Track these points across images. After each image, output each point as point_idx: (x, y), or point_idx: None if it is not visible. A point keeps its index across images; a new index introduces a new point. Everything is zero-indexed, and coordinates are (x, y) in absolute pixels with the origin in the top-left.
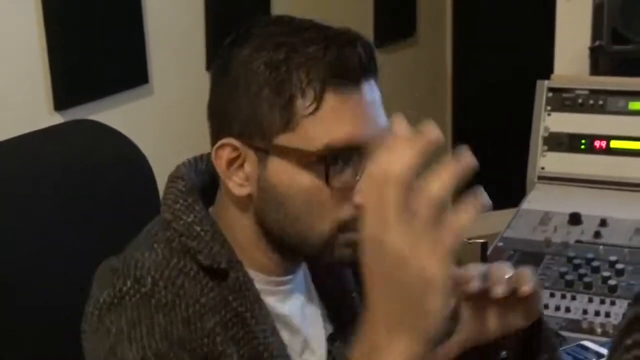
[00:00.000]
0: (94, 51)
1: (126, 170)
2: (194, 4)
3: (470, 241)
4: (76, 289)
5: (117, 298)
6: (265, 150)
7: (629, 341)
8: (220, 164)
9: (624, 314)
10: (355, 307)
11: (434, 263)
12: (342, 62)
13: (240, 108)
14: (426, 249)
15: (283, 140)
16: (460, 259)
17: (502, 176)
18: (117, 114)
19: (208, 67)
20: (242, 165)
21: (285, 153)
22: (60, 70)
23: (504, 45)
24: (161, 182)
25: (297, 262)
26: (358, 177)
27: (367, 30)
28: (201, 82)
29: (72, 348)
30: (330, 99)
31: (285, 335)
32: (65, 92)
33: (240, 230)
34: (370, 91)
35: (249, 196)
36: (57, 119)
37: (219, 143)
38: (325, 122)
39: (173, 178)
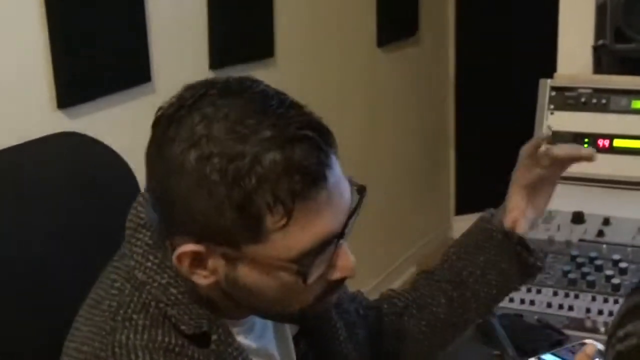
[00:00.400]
0: (96, 49)
1: (112, 183)
2: (197, 3)
3: None
4: (66, 302)
5: None
6: (233, 257)
7: (621, 333)
8: (181, 268)
9: (618, 310)
10: (326, 314)
11: None
12: (306, 167)
13: (201, 211)
14: None
15: (253, 251)
16: None
17: (505, 175)
18: (119, 112)
19: (211, 66)
20: (205, 262)
21: (257, 261)
22: (62, 69)
23: (506, 45)
24: None
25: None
26: (331, 262)
27: (369, 30)
28: None
29: None
30: (300, 211)
31: None
32: (68, 90)
33: (208, 291)
34: (334, 177)
35: (216, 282)
36: (59, 116)
37: (179, 252)
38: (296, 233)
39: (137, 227)
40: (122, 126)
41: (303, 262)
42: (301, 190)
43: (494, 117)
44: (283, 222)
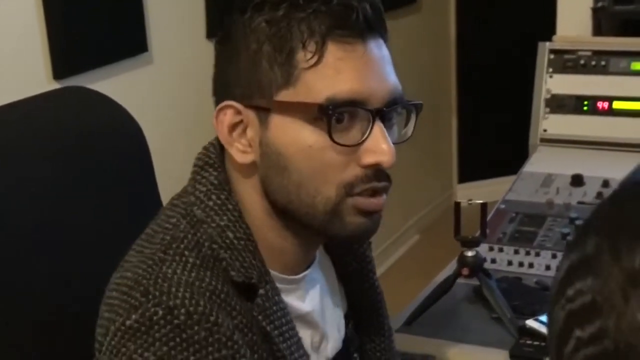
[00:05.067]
0: (93, 19)
1: (119, 138)
2: None
3: (470, 202)
4: (68, 259)
5: (146, 326)
6: (266, 108)
7: (570, 292)
8: (222, 130)
9: (558, 266)
10: (373, 288)
11: None
12: (346, 15)
13: (240, 70)
14: None
15: (284, 96)
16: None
17: (508, 141)
18: (116, 82)
19: (208, 36)
20: (244, 131)
21: (287, 109)
22: (59, 39)
23: (507, 9)
24: (158, 150)
25: (312, 245)
26: (364, 137)
27: None
28: (201, 50)
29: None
30: (332, 51)
31: (306, 333)
32: (64, 61)
33: (252, 209)
34: (377, 48)
35: (253, 164)
36: (55, 87)
37: (219, 106)
38: (327, 75)
39: (204, 165)
40: (119, 97)
41: (330, 110)
42: (336, 31)
43: (495, 84)
44: (314, 59)
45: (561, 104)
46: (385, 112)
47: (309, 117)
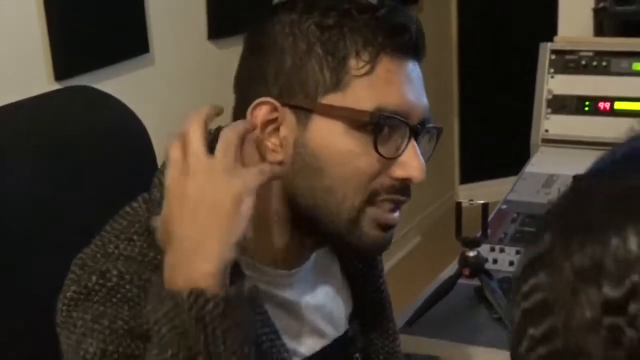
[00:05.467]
0: (94, 20)
1: (123, 138)
2: None
3: (471, 202)
4: (72, 258)
5: (83, 294)
6: (307, 109)
7: (525, 288)
8: (255, 123)
9: (517, 263)
10: (380, 290)
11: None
12: (402, 33)
13: (282, 68)
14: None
15: (331, 99)
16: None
17: (509, 141)
18: (117, 83)
19: (209, 36)
20: (277, 130)
21: (332, 112)
22: (60, 40)
23: (508, 10)
24: (158, 150)
25: (313, 249)
26: (401, 151)
27: None
28: (202, 51)
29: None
30: (384, 64)
31: (285, 320)
32: (66, 62)
33: (261, 211)
34: (418, 68)
35: (280, 164)
36: (57, 88)
37: (256, 101)
38: (377, 85)
39: None
40: (121, 97)
41: (378, 119)
42: (390, 45)
43: (497, 84)
44: (367, 68)
45: (563, 105)
46: (421, 129)
47: (354, 123)
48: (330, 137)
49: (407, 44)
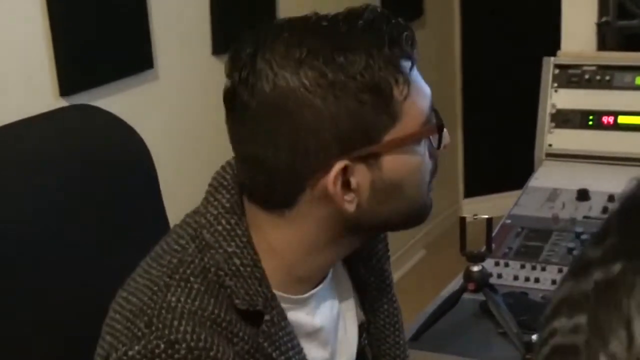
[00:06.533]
0: (99, 36)
1: (125, 156)
2: None
3: (475, 217)
4: (72, 276)
5: (147, 358)
6: (376, 153)
7: (546, 331)
8: (335, 195)
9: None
10: (390, 302)
11: None
12: (405, 41)
13: (338, 128)
14: None
15: (394, 133)
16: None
17: (514, 156)
18: (122, 99)
19: (214, 52)
20: (350, 182)
21: (398, 145)
22: (65, 56)
23: (512, 24)
24: (164, 168)
25: (338, 261)
26: (439, 135)
27: None
28: (207, 66)
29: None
30: (412, 77)
31: (316, 350)
32: (71, 78)
33: (292, 246)
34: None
35: (356, 208)
36: (62, 104)
37: (332, 175)
38: (416, 97)
39: (218, 187)
40: (125, 113)
41: (431, 122)
42: (406, 57)
43: (500, 98)
44: (406, 90)
45: (566, 119)
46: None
47: (417, 140)
48: (403, 163)
49: (411, 47)
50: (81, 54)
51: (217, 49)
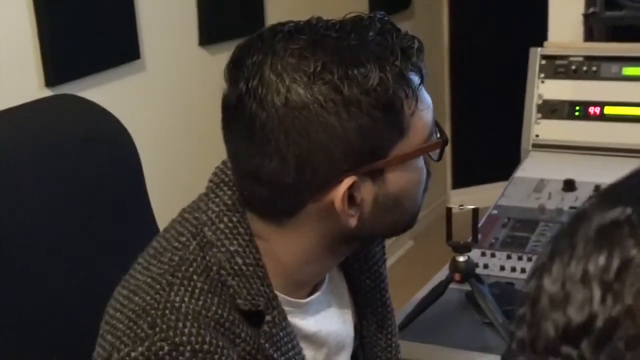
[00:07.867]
0: (84, 26)
1: (109, 147)
2: None
3: (461, 207)
4: (56, 265)
5: None
6: (381, 168)
7: (518, 316)
8: (342, 212)
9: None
10: (385, 305)
11: None
12: (415, 53)
13: (349, 144)
14: None
15: (400, 148)
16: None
17: (501, 146)
18: (108, 90)
19: (200, 43)
20: (354, 197)
21: (404, 159)
22: (50, 46)
23: (499, 15)
24: (149, 157)
25: (335, 266)
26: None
27: (362, 3)
28: (193, 57)
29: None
30: (419, 91)
31: (309, 352)
32: (56, 68)
33: (289, 253)
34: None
35: (357, 222)
36: (47, 94)
37: (342, 192)
38: (422, 112)
39: (219, 183)
40: (112, 104)
41: (434, 135)
42: (419, 72)
43: (488, 89)
44: (414, 104)
45: (553, 110)
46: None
47: (421, 154)
48: (405, 176)
49: (421, 60)
50: (67, 44)
51: (204, 39)
